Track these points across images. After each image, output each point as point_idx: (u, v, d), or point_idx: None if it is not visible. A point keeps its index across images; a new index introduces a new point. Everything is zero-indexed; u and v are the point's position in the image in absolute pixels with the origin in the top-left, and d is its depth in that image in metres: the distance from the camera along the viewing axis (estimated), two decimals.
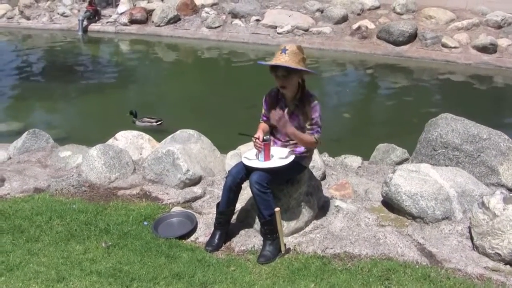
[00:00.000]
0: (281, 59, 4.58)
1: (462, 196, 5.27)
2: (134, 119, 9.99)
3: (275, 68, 4.66)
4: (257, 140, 4.78)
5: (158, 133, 7.36)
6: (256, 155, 4.85)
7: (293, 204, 5.04)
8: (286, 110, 4.81)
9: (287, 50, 4.60)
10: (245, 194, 5.31)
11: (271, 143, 4.88)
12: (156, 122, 9.93)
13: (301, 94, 4.80)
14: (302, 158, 4.92)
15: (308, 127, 4.77)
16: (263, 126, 5.05)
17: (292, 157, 4.77)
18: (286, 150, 4.88)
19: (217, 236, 4.95)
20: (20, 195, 5.92)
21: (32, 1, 18.80)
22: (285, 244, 4.80)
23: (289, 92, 4.80)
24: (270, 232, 4.74)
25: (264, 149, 4.75)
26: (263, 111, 5.08)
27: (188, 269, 4.45)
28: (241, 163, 4.89)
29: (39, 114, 10.79)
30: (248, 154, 4.93)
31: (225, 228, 5.00)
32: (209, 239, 4.99)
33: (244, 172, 4.83)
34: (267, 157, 4.78)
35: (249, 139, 5.06)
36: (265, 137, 4.83)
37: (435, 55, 14.58)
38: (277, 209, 4.62)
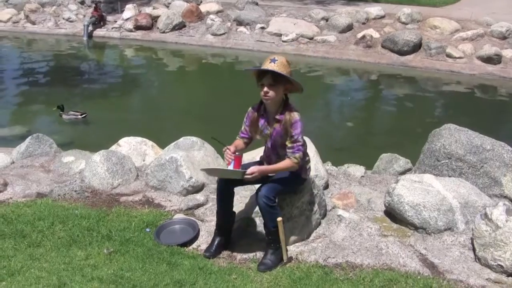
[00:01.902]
0: (270, 67, 4.53)
1: (465, 207, 5.26)
2: (61, 112, 10.52)
3: (261, 76, 4.60)
4: (227, 150, 4.71)
5: (161, 140, 7.34)
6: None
7: (295, 213, 5.04)
8: (268, 129, 4.78)
9: (277, 60, 4.56)
10: (247, 202, 5.31)
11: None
12: (81, 115, 10.56)
13: (283, 109, 4.68)
14: (301, 169, 4.87)
15: (289, 145, 4.62)
16: (237, 142, 4.92)
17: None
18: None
19: (215, 243, 4.96)
20: (22, 199, 5.92)
21: (37, 6, 18.83)
22: (287, 253, 4.80)
23: (272, 104, 4.68)
24: (273, 241, 4.74)
25: (234, 161, 4.69)
26: (243, 127, 4.95)
27: (189, 276, 4.45)
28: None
29: (42, 119, 10.81)
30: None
31: (225, 235, 4.99)
32: (208, 245, 5.00)
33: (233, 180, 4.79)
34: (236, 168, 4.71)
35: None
36: (237, 152, 4.76)
37: (439, 65, 14.57)
38: (279, 218, 4.62)
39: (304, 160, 4.84)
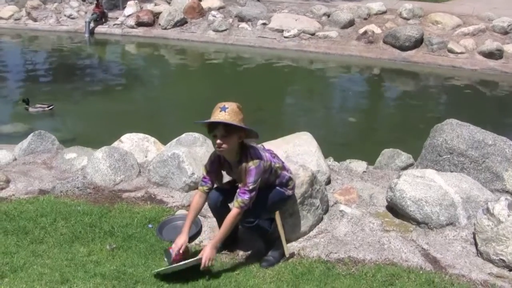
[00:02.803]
0: (221, 117, 4.24)
1: (466, 202, 5.25)
2: (26, 106, 10.67)
3: (212, 127, 4.32)
4: (172, 250, 4.53)
5: (163, 136, 7.34)
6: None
7: (297, 209, 5.03)
8: (232, 173, 4.64)
9: (227, 108, 4.26)
10: None
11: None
12: (48, 107, 10.78)
13: (240, 157, 4.42)
14: (285, 186, 4.75)
15: (238, 191, 4.40)
16: (195, 206, 4.68)
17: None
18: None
19: None
20: (25, 196, 5.93)
21: (39, 3, 18.84)
22: (288, 249, 4.81)
23: (227, 154, 4.45)
24: (273, 240, 4.77)
25: (180, 256, 4.56)
26: (204, 171, 4.67)
27: (191, 272, 4.45)
28: (218, 187, 4.75)
29: (45, 115, 10.80)
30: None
31: (229, 236, 4.96)
32: None
33: (223, 196, 4.71)
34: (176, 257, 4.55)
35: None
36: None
37: (441, 61, 14.57)
38: (276, 212, 4.63)
39: (282, 183, 4.72)
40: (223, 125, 4.26)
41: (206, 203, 4.80)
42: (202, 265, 4.37)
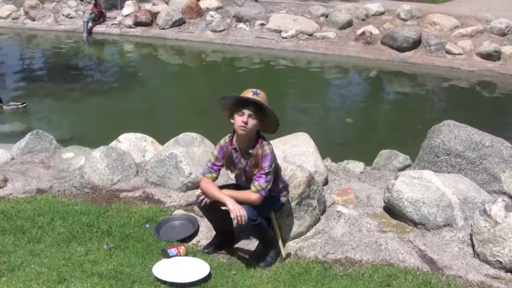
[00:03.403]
0: (254, 97, 4.37)
1: (464, 203, 5.26)
2: (0, 104, 10.81)
3: (241, 106, 4.39)
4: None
5: (161, 136, 7.34)
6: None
7: (294, 209, 5.04)
8: (241, 163, 4.61)
9: (259, 94, 4.38)
10: None
11: None
12: (21, 104, 10.91)
13: (255, 143, 4.51)
14: (279, 194, 4.79)
15: (254, 177, 4.46)
16: (212, 183, 4.63)
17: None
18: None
19: (216, 241, 4.98)
20: (22, 195, 5.93)
21: (37, 2, 18.84)
22: (284, 248, 4.82)
23: (246, 137, 4.49)
24: (270, 241, 4.79)
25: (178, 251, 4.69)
26: (213, 159, 4.67)
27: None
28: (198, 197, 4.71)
29: (42, 115, 10.81)
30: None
31: (225, 236, 4.97)
32: (208, 242, 5.03)
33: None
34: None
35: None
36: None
37: (439, 62, 14.59)
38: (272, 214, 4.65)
39: (278, 188, 4.76)
40: (254, 105, 4.36)
41: (196, 207, 4.88)
42: (236, 220, 4.36)
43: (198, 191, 5.85)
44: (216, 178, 4.69)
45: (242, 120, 4.38)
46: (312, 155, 6.15)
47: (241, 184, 4.72)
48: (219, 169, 4.69)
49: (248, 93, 4.41)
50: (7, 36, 18.01)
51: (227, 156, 4.65)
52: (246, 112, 4.38)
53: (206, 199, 4.55)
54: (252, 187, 4.44)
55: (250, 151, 4.51)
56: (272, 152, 4.49)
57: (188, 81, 14.09)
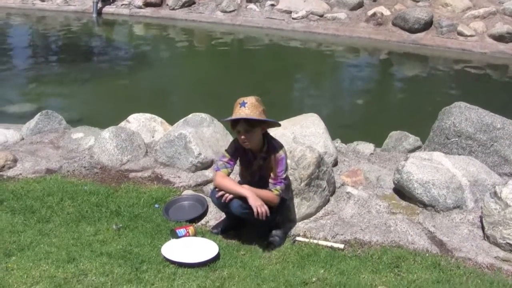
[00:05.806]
0: (241, 113, 4.36)
1: (474, 185, 5.24)
2: None
3: (235, 124, 4.43)
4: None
5: (170, 116, 7.32)
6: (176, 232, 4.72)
7: (304, 190, 5.03)
8: (255, 164, 4.66)
9: (246, 103, 4.37)
10: None
11: None
12: None
13: (268, 147, 4.56)
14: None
15: (272, 181, 4.53)
16: (227, 177, 4.61)
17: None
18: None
19: (225, 223, 4.97)
20: (32, 175, 5.95)
21: None
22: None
23: (254, 147, 4.56)
24: (278, 221, 4.82)
25: (187, 231, 4.72)
26: (227, 156, 4.65)
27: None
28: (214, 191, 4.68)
29: (52, 95, 10.81)
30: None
31: (234, 221, 4.93)
32: (217, 222, 5.04)
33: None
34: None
35: None
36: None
37: (450, 43, 14.46)
38: None
39: (286, 192, 4.80)
40: (244, 121, 4.36)
41: (211, 201, 4.97)
42: (257, 214, 4.38)
43: (207, 172, 5.91)
44: (230, 173, 4.69)
45: (241, 137, 4.46)
46: (322, 136, 6.13)
47: (253, 181, 4.68)
48: (234, 165, 4.71)
49: (236, 107, 4.42)
50: (17, 17, 17.99)
51: (242, 154, 4.70)
52: (241, 129, 4.43)
53: (228, 195, 4.52)
54: (274, 191, 4.53)
55: (264, 155, 4.59)
56: (285, 153, 4.58)
57: (197, 62, 14.06)
